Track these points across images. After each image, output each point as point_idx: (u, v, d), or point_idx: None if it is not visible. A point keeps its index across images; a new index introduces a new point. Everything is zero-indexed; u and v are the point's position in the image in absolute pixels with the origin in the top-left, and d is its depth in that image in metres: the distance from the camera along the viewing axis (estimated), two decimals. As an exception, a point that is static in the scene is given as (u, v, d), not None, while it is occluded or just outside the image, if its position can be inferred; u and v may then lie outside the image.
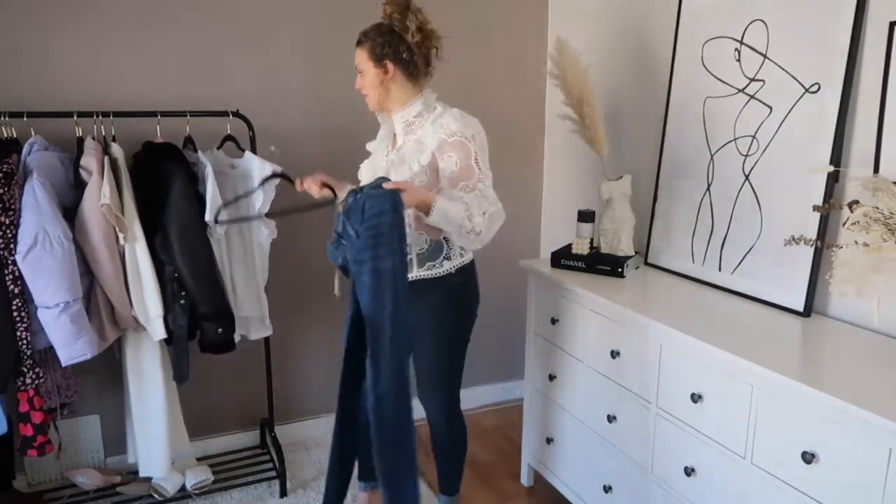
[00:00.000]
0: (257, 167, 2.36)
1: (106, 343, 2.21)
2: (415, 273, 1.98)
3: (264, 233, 2.45)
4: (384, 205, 1.71)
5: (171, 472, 2.46)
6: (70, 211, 2.12)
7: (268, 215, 2.36)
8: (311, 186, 2.05)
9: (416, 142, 1.95)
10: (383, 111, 2.05)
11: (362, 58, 1.95)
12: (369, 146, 2.17)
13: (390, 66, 1.93)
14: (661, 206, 2.48)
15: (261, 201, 2.37)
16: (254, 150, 2.48)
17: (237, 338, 2.45)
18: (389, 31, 1.92)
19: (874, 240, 1.58)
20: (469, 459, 2.91)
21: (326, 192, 2.05)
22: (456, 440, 2.26)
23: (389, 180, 1.80)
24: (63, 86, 2.40)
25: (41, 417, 2.14)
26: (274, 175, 2.27)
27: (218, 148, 2.46)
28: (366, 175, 2.10)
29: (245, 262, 2.48)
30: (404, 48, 1.92)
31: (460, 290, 2.06)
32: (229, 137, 2.47)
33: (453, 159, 1.89)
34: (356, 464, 2.30)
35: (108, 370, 2.53)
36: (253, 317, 2.52)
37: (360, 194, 1.78)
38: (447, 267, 2.00)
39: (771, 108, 2.05)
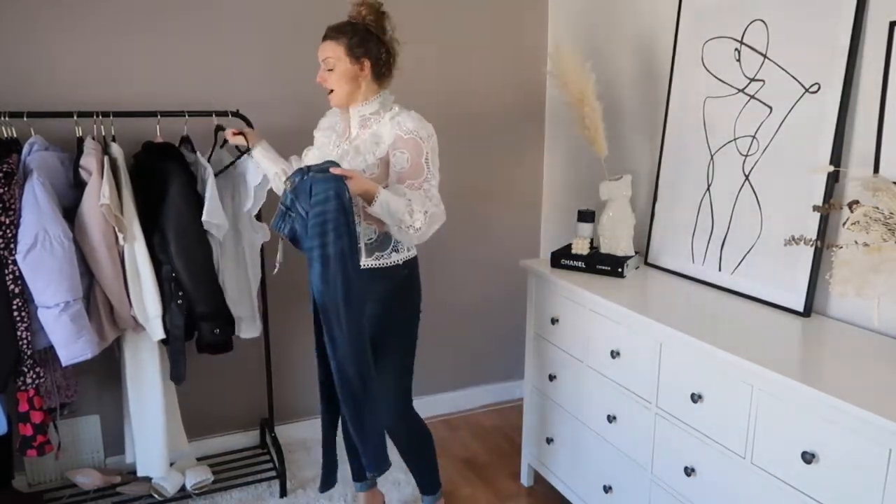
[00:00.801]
0: (252, 168, 2.36)
1: (105, 343, 2.21)
2: (363, 262, 2.00)
3: (257, 235, 2.45)
4: (328, 191, 1.77)
5: (169, 471, 2.46)
6: (70, 211, 2.12)
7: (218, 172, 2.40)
8: (227, 134, 2.29)
9: (371, 135, 1.99)
10: (346, 106, 2.06)
11: (337, 52, 1.96)
12: (316, 133, 2.18)
13: (367, 63, 1.97)
14: (661, 206, 2.48)
15: (251, 202, 2.37)
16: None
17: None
18: (366, 30, 1.97)
19: (874, 240, 1.58)
20: (469, 459, 2.91)
21: (239, 139, 2.28)
22: (418, 441, 2.26)
23: (338, 165, 1.86)
24: (63, 86, 2.40)
25: (41, 417, 2.14)
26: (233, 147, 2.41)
27: (221, 147, 2.47)
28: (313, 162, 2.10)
29: (237, 262, 2.48)
30: (383, 49, 1.99)
31: (406, 283, 2.08)
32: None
33: (405, 156, 1.94)
34: (349, 461, 2.32)
35: (108, 370, 2.53)
36: (244, 316, 2.52)
37: (307, 175, 1.82)
38: (395, 259, 2.03)
39: (771, 108, 2.05)
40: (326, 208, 1.77)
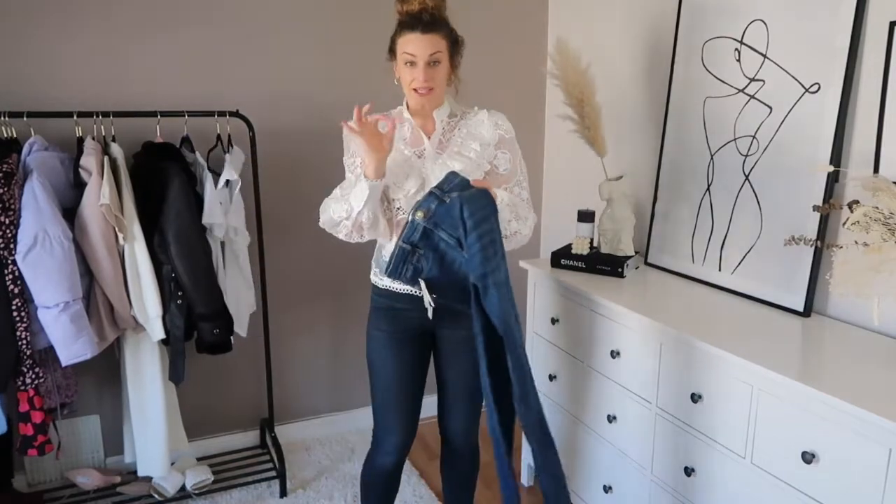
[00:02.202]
0: (227, 164, 2.35)
1: (105, 343, 2.21)
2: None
3: (238, 239, 2.45)
4: (486, 208, 1.56)
5: (169, 471, 2.46)
6: (70, 211, 2.12)
7: None
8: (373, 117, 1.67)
9: (471, 139, 1.80)
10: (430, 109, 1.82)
11: (442, 46, 1.71)
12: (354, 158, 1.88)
13: (457, 62, 1.81)
14: (661, 206, 2.48)
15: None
16: (254, 150, 2.49)
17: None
18: (450, 24, 1.77)
19: (874, 240, 1.58)
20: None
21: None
22: (474, 468, 2.10)
23: (459, 175, 1.64)
24: (63, 86, 2.40)
25: (41, 417, 2.14)
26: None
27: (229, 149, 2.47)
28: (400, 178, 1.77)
29: (236, 263, 2.49)
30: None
31: None
32: (229, 138, 2.48)
33: (507, 156, 1.83)
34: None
35: (108, 370, 2.53)
36: (236, 314, 2.52)
37: (448, 198, 1.58)
38: None
39: (771, 108, 2.05)
40: (492, 227, 1.57)
